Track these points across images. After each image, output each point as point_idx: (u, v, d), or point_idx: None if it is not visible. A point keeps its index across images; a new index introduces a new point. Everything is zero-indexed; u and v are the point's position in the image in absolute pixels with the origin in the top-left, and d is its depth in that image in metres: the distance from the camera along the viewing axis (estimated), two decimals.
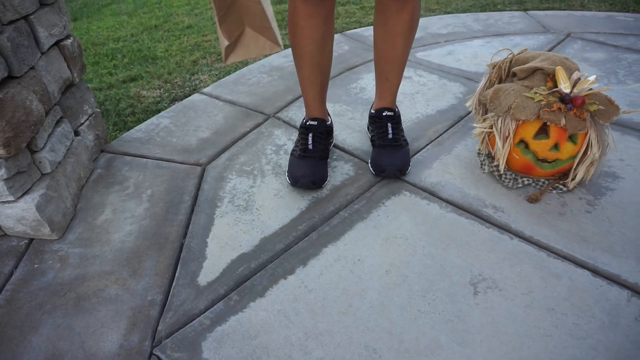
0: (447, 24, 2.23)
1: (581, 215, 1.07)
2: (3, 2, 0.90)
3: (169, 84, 1.89)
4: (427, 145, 1.33)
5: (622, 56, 1.85)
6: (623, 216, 1.06)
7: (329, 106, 1.53)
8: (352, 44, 2.03)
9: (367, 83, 1.69)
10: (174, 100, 1.77)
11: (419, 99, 1.57)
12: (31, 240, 1.03)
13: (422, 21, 2.25)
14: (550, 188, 1.14)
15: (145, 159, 1.29)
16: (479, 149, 1.25)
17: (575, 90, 1.04)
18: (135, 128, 1.46)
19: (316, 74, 1.12)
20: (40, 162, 0.99)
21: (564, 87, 1.04)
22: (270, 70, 1.80)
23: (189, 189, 1.18)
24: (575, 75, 1.05)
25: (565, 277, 0.92)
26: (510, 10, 2.41)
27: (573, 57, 1.86)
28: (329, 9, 1.03)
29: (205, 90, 1.69)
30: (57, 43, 1.10)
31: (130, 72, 2.03)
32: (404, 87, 1.65)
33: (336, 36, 2.14)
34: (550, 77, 1.07)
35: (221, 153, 1.32)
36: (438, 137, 1.37)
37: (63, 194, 1.06)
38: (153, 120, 1.50)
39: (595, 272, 0.93)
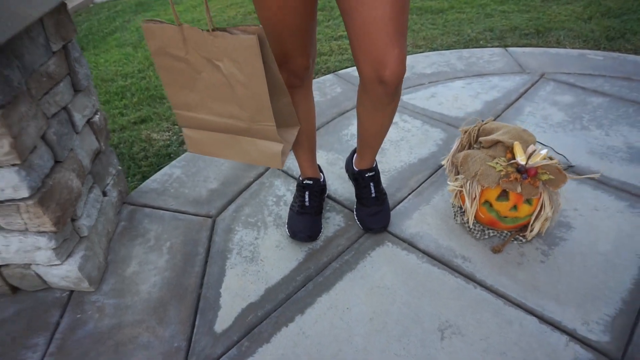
0: (432, 62, 2.42)
1: (536, 265, 1.27)
2: (48, 100, 1.08)
3: (176, 126, 2.07)
4: (409, 195, 1.52)
5: (589, 99, 2.05)
6: (571, 266, 1.26)
7: (322, 154, 1.72)
8: (344, 85, 2.22)
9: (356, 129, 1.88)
10: (182, 143, 1.95)
11: (403, 146, 1.76)
12: (71, 292, 1.22)
13: (409, 59, 2.44)
14: (512, 239, 1.34)
15: (162, 211, 1.48)
16: (453, 202, 1.44)
17: (530, 162, 1.23)
18: (151, 178, 1.65)
19: (304, 140, 1.31)
20: (79, 228, 1.18)
21: (520, 159, 1.23)
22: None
23: (202, 240, 1.37)
24: (530, 149, 1.24)
25: (516, 324, 1.11)
26: (492, 47, 2.60)
27: (544, 100, 2.05)
28: (307, 87, 1.21)
29: None
30: (87, 121, 1.28)
31: (140, 112, 2.21)
32: (390, 134, 1.84)
33: (328, 77, 2.33)
34: (510, 149, 1.27)
35: (228, 205, 1.50)
36: (418, 186, 1.56)
37: (97, 251, 1.25)
38: (166, 170, 1.69)
39: (542, 319, 1.12)
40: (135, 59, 2.84)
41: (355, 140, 1.80)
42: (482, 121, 1.40)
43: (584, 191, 1.53)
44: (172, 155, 1.88)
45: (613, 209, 1.46)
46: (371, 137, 1.31)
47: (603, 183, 1.56)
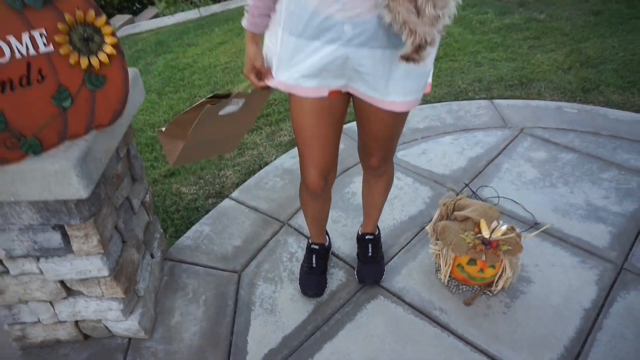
0: (425, 116, 2.74)
1: (499, 316, 1.58)
2: (117, 195, 1.41)
3: (202, 180, 2.40)
4: (399, 252, 1.84)
5: (559, 156, 2.36)
6: (527, 317, 1.57)
7: None
8: (348, 141, 2.54)
9: (358, 187, 2.20)
10: (207, 197, 2.28)
11: (396, 205, 2.08)
12: (130, 339, 1.55)
13: None
14: (481, 293, 1.66)
15: (197, 267, 1.81)
16: (434, 260, 1.76)
17: (493, 236, 1.55)
18: (185, 235, 1.98)
19: (317, 221, 1.63)
20: (137, 290, 1.51)
21: (485, 234, 1.55)
22: (282, 173, 2.32)
23: (231, 294, 1.70)
24: (493, 225, 1.56)
25: None
26: (479, 99, 2.91)
27: (521, 157, 2.36)
28: (327, 193, 1.52)
29: (234, 195, 2.20)
30: (141, 202, 1.61)
31: (168, 166, 2.54)
32: None
33: None
34: (477, 225, 1.58)
35: (250, 261, 1.83)
36: (407, 243, 1.88)
37: (149, 306, 1.58)
38: (197, 227, 2.02)
39: None
40: (160, 108, 3.17)
41: (355, 199, 2.12)
42: (458, 196, 1.71)
43: (545, 247, 1.84)
44: (199, 208, 2.21)
45: (567, 264, 1.77)
46: (370, 207, 1.66)
47: (562, 240, 1.87)
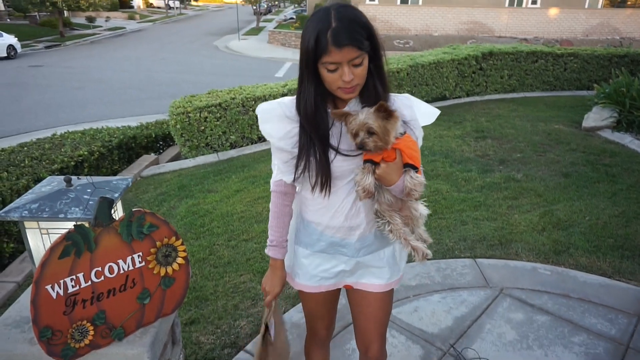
0: (416, 274, 3.12)
1: None
2: (161, 358, 1.73)
3: (219, 330, 2.70)
4: None
5: (535, 317, 2.68)
6: None
7: None
8: None
9: None
10: (223, 347, 2.56)
11: None
12: None
13: None
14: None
15: None
16: None
17: None
18: None
19: None
20: None
21: None
22: (291, 327, 2.63)
23: None
24: None
25: None
26: (464, 257, 3.32)
27: (501, 317, 2.68)
28: (329, 339, 1.84)
29: (248, 347, 2.49)
30: None
31: (189, 313, 2.85)
32: None
33: None
34: None
35: None
36: None
37: None
38: None
39: None
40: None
41: (355, 355, 2.41)
42: None
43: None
44: (215, 358, 2.48)
45: None
46: None
47: None
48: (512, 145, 5.77)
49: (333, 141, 1.36)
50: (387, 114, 1.25)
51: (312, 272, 1.53)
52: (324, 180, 1.36)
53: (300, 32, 1.33)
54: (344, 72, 1.23)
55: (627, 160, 5.14)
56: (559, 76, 9.15)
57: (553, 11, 21.87)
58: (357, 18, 1.23)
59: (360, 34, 1.22)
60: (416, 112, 1.44)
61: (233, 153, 6.25)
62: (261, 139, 6.47)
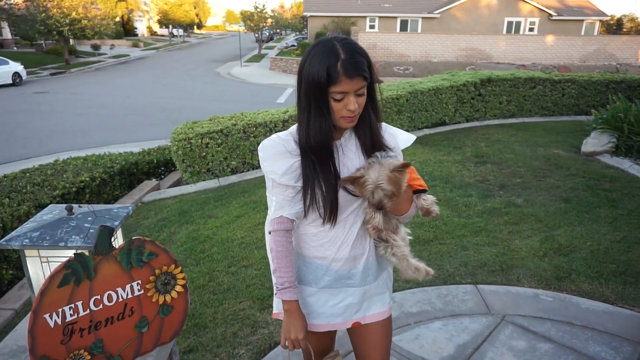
0: (417, 301, 3.09)
1: None
2: None
3: (217, 358, 2.66)
4: None
5: (538, 345, 2.65)
6: None
7: None
8: None
9: None
10: None
11: None
12: None
13: (398, 297, 3.12)
14: None
15: None
16: None
17: None
18: None
19: None
20: None
21: None
22: (291, 354, 2.59)
23: None
24: None
25: None
26: (465, 284, 3.30)
27: (503, 345, 2.65)
28: None
29: None
30: None
31: (188, 341, 2.82)
32: None
33: None
34: None
35: None
36: None
37: None
38: None
39: None
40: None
41: None
42: None
43: None
44: None
45: None
46: None
47: None
48: (511, 170, 5.80)
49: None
50: (404, 168, 1.28)
51: (319, 310, 1.49)
52: (332, 210, 1.36)
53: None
54: (350, 102, 1.27)
55: (627, 185, 5.15)
56: (557, 101, 9.26)
57: (550, 38, 22.27)
58: (361, 50, 1.29)
59: (364, 64, 1.27)
60: (397, 140, 1.50)
61: (234, 178, 6.28)
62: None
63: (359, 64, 1.26)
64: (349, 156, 1.40)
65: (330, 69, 1.24)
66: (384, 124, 1.48)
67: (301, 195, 1.36)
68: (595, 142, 6.43)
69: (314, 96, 1.29)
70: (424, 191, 1.38)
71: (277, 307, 1.56)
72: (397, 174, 1.28)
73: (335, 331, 1.67)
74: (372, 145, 1.39)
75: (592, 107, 8.75)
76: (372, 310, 1.55)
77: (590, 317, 2.90)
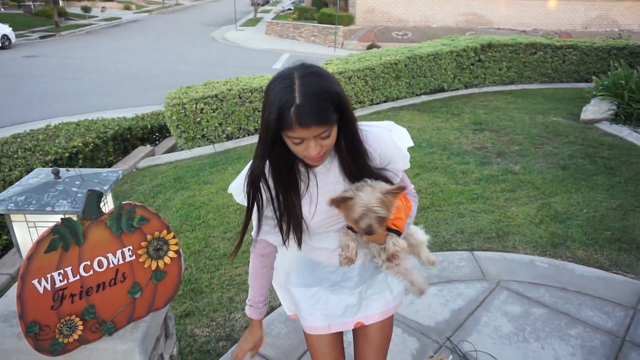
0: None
1: None
2: (154, 353, 1.70)
3: (214, 322, 2.68)
4: None
5: (532, 310, 2.67)
6: None
7: None
8: None
9: None
10: (218, 340, 2.54)
11: None
12: None
13: None
14: None
15: None
16: None
17: None
18: None
19: None
20: None
21: None
22: (286, 320, 2.61)
23: None
24: None
25: None
26: (461, 250, 3.30)
27: (497, 310, 2.67)
28: None
29: None
30: (170, 356, 1.89)
31: (184, 306, 2.83)
32: None
33: None
34: None
35: None
36: None
37: None
38: None
39: None
40: None
41: None
42: (440, 356, 2.00)
43: None
44: (210, 351, 2.46)
45: None
46: None
47: None
48: (510, 138, 5.75)
49: (311, 197, 1.28)
50: (399, 191, 1.18)
51: (319, 311, 1.45)
52: (299, 234, 1.30)
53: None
54: (309, 147, 1.11)
55: (625, 152, 5.12)
56: (557, 68, 9.11)
57: (552, 3, 21.75)
58: (323, 90, 1.08)
59: (327, 109, 1.08)
60: (395, 140, 1.31)
61: (229, 144, 6.21)
62: (258, 130, 6.42)
63: (317, 111, 1.06)
64: (329, 182, 1.27)
65: (284, 113, 1.06)
66: (372, 134, 1.28)
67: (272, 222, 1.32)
68: (594, 110, 6.36)
69: (267, 137, 1.14)
70: (398, 233, 1.26)
71: (289, 309, 1.65)
72: (390, 196, 1.17)
73: (341, 340, 1.58)
74: (358, 170, 1.24)
75: (593, 74, 8.62)
76: (372, 309, 1.49)
77: (584, 282, 2.92)
